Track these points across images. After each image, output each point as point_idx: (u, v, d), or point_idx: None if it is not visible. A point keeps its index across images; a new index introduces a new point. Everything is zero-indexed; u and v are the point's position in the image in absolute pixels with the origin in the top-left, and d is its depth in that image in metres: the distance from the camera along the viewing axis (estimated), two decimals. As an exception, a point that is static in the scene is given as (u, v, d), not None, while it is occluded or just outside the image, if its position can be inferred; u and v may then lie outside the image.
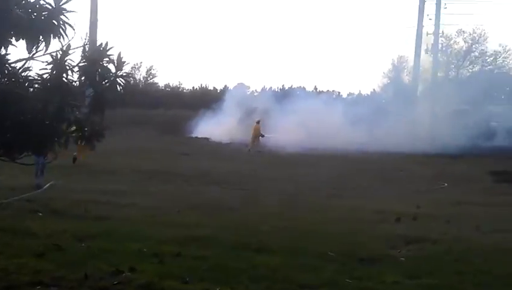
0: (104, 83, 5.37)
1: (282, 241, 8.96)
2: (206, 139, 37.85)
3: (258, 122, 29.48)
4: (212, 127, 40.47)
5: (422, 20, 40.33)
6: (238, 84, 69.87)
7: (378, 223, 11.17)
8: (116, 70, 5.30)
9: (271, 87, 62.51)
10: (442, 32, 41.67)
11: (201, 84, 67.66)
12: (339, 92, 60.10)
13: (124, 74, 5.37)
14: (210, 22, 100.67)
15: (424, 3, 40.21)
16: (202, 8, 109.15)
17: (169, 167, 19.77)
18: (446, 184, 18.44)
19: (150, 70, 74.08)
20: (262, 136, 29.12)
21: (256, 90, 65.13)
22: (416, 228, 10.61)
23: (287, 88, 60.97)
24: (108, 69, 5.30)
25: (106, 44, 5.28)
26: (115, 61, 5.35)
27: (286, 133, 34.61)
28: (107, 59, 5.23)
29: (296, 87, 61.52)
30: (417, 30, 40.45)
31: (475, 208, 13.25)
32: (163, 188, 15.33)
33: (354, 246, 8.92)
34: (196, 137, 39.01)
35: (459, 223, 11.20)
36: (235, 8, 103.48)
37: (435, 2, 40.53)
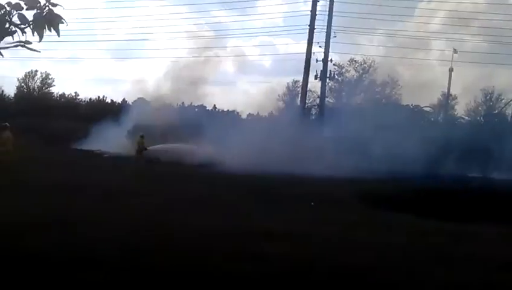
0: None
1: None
2: (92, 151, 36.85)
3: (141, 137, 29.04)
4: (105, 140, 39.83)
5: (311, 47, 41.42)
6: (138, 98, 69.07)
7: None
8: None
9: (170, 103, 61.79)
10: (331, 60, 42.58)
11: (98, 97, 66.34)
12: (238, 112, 60.21)
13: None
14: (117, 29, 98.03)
15: (313, 31, 41.30)
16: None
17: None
18: (313, 203, 18.47)
19: (46, 79, 71.94)
20: (145, 149, 28.71)
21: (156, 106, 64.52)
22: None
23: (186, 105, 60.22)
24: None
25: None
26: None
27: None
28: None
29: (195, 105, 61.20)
30: (306, 56, 41.57)
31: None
32: None
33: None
34: (82, 149, 37.74)
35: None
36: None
37: (325, 30, 41.71)
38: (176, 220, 12.47)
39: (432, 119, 51.45)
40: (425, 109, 51.43)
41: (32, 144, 31.44)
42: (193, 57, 66.63)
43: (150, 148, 30.81)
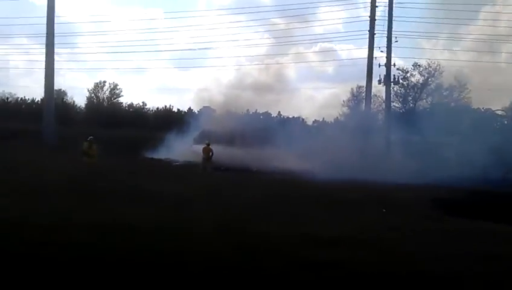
0: None
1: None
2: (161, 160, 37.56)
3: (208, 144, 29.39)
4: (173, 149, 40.76)
5: (372, 52, 41.10)
6: (204, 107, 70.15)
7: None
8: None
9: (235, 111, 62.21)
10: (394, 65, 41.97)
11: (165, 106, 67.91)
12: (303, 119, 60.19)
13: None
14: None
15: (373, 36, 40.93)
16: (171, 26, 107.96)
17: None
18: (384, 210, 18.11)
19: (114, 89, 74.20)
20: (211, 156, 29.09)
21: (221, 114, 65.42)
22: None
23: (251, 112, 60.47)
24: None
25: None
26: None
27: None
28: None
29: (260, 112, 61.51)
30: (367, 61, 41.26)
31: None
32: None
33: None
34: (152, 158, 38.49)
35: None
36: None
37: (386, 35, 41.26)
38: (248, 228, 12.47)
39: (506, 122, 49.60)
40: (497, 112, 49.70)
41: (105, 154, 32.31)
42: (255, 64, 67.04)
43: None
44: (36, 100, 63.39)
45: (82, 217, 12.36)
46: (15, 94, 68.87)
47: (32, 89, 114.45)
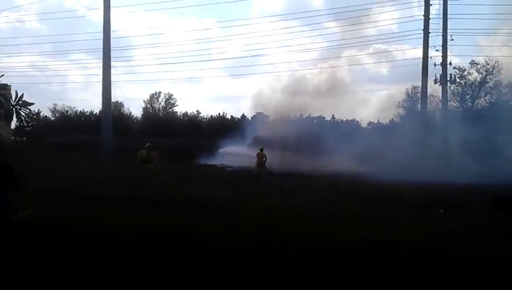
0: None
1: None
2: (215, 165, 37.85)
3: (261, 150, 29.33)
4: (226, 155, 41.06)
5: (427, 51, 40.25)
6: (257, 112, 70.37)
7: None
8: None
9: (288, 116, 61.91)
10: (450, 63, 41.03)
11: (219, 113, 68.48)
12: (357, 121, 59.46)
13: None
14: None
15: (428, 35, 40.03)
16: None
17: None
18: (442, 211, 17.63)
19: (169, 99, 75.57)
20: (265, 161, 29.01)
21: (274, 120, 65.51)
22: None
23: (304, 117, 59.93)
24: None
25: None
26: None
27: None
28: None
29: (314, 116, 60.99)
30: (422, 61, 40.32)
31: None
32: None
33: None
34: (206, 164, 38.83)
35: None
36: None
37: (441, 33, 40.30)
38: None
39: None
40: None
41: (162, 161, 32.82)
42: (308, 69, 66.82)
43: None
44: (94, 112, 65.09)
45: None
46: (74, 107, 70.99)
47: (91, 102, 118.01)
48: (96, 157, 39.29)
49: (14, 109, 7.22)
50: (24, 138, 58.90)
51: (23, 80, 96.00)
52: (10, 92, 53.64)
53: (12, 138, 55.88)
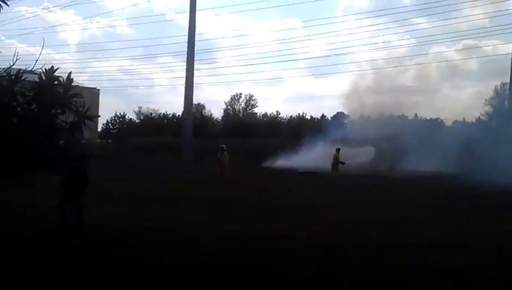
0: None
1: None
2: (293, 168, 37.84)
3: (337, 150, 29.17)
4: (305, 156, 40.84)
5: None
6: (337, 112, 69.86)
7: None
8: (64, 93, 5.56)
9: (369, 115, 60.95)
10: (542, 57, 38.83)
11: (298, 114, 68.44)
12: (442, 120, 57.44)
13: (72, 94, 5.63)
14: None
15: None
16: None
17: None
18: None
19: (250, 100, 76.57)
20: (343, 163, 28.72)
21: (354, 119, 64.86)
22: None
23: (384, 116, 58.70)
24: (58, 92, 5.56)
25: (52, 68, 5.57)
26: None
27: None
28: (56, 82, 5.50)
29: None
30: (512, 57, 38.45)
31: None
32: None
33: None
34: (282, 167, 38.86)
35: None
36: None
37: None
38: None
39: None
40: None
41: (239, 162, 33.39)
42: (394, 67, 65.43)
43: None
44: (177, 114, 67.01)
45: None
46: (158, 110, 73.31)
47: (175, 104, 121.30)
48: (178, 158, 40.48)
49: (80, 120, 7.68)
50: (109, 140, 61.62)
51: (112, 84, 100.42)
52: (98, 97, 56.36)
53: (98, 140, 58.54)
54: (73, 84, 6.86)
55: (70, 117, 6.96)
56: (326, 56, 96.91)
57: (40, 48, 6.99)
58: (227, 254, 10.10)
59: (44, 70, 6.15)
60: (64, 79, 6.33)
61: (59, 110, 6.79)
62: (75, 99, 6.32)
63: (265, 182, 25.03)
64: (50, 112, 6.43)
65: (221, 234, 12.06)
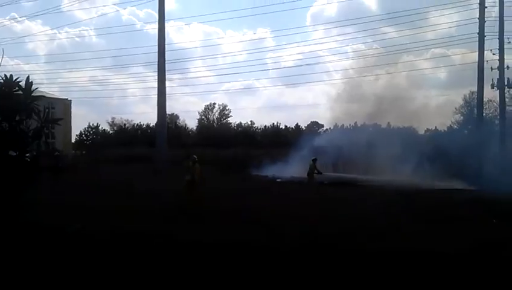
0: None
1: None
2: (267, 176, 37.85)
3: (313, 161, 29.13)
4: (279, 166, 40.86)
5: (483, 55, 38.74)
6: (311, 122, 70.31)
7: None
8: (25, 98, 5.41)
9: (343, 125, 61.25)
10: (507, 67, 39.39)
11: (272, 123, 68.70)
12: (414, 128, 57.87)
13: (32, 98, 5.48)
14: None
15: (483, 39, 38.70)
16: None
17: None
18: (495, 221, 17.09)
19: (223, 110, 76.60)
20: (319, 173, 28.62)
21: (329, 128, 65.43)
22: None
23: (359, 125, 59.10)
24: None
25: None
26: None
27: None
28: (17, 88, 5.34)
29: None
30: (478, 65, 38.89)
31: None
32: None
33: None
34: (257, 175, 38.88)
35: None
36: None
37: (497, 36, 39.05)
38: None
39: None
40: None
41: (211, 173, 33.18)
42: (364, 76, 65.97)
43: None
44: (151, 125, 66.68)
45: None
46: (132, 120, 72.87)
47: (149, 115, 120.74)
48: (151, 169, 40.07)
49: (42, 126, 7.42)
50: (84, 152, 60.97)
51: (83, 95, 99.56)
52: (70, 108, 55.80)
53: (73, 151, 57.92)
54: (44, 95, 6.70)
55: (33, 124, 6.79)
56: (297, 66, 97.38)
57: (7, 59, 6.88)
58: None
59: (3, 77, 6.01)
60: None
61: (23, 117, 6.61)
62: (36, 103, 6.18)
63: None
64: (13, 119, 6.25)
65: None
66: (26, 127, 6.70)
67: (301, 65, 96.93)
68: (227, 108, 77.53)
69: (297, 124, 67.62)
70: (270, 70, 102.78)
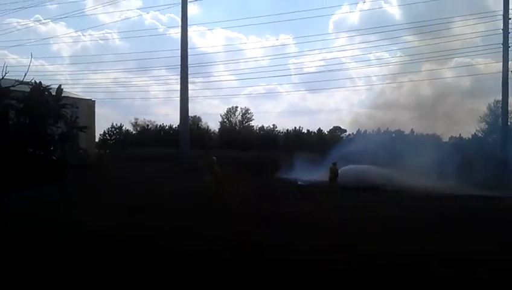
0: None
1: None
2: (290, 180, 37.76)
3: (334, 164, 29.20)
4: (302, 170, 40.80)
5: (507, 64, 38.61)
6: (333, 127, 70.01)
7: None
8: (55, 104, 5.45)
9: (365, 130, 60.91)
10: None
11: (294, 127, 68.57)
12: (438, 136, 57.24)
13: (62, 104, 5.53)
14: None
15: (507, 49, 38.39)
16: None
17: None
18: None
19: (246, 113, 76.63)
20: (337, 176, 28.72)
21: (352, 133, 65.20)
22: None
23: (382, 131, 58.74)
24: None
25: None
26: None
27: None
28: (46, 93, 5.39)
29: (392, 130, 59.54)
30: (502, 75, 38.61)
31: None
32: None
33: None
34: (280, 178, 38.78)
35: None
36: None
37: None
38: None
39: None
40: None
41: (234, 176, 33.12)
42: (387, 83, 65.82)
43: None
44: (173, 126, 66.94)
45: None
46: (154, 121, 73.30)
47: (172, 117, 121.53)
48: (174, 169, 40.26)
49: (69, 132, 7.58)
50: (107, 151, 61.52)
51: (106, 96, 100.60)
52: (94, 108, 56.24)
53: (96, 150, 58.39)
54: (68, 95, 6.82)
55: (62, 128, 6.89)
56: (319, 72, 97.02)
57: (32, 59, 7.02)
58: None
59: (34, 82, 6.11)
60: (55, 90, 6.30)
61: (51, 121, 6.71)
62: (65, 110, 6.26)
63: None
64: (41, 123, 6.36)
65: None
66: (52, 131, 6.81)
67: (323, 71, 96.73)
68: (249, 111, 77.68)
69: (319, 129, 67.46)
70: (293, 76, 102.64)
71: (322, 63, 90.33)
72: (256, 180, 33.99)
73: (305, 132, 67.57)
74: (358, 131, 62.04)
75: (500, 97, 40.68)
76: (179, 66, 45.01)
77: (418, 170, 35.48)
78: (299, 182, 36.11)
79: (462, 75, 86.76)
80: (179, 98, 45.29)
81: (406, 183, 31.94)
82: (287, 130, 69.17)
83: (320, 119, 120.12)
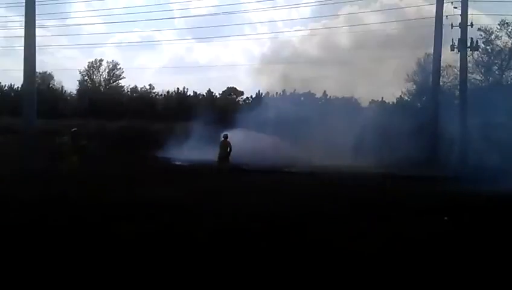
0: None
1: None
2: (169, 159, 37.78)
3: (225, 138, 28.82)
4: (185, 145, 40.70)
5: (442, 8, 39.15)
6: (227, 88, 70.53)
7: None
8: None
9: (268, 92, 61.74)
10: (471, 24, 39.48)
11: (177, 88, 68.23)
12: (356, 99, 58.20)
13: None
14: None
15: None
16: None
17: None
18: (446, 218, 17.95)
19: (114, 69, 75.37)
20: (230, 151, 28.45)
21: (251, 96, 66.03)
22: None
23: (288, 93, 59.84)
24: None
25: None
26: None
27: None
28: None
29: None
30: (435, 22, 39.24)
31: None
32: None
33: None
34: (158, 156, 38.71)
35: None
36: None
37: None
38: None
39: None
40: None
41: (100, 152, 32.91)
42: (295, 31, 66.93)
43: None
44: (15, 87, 64.93)
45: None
46: (-11, 80, 70.69)
47: (12, 73, 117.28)
48: (15, 145, 39.31)
49: None
50: None
51: None
52: None
53: None
54: None
55: None
56: (211, 14, 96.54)
57: None
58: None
59: None
60: None
61: None
62: None
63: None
64: None
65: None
66: None
67: (217, 14, 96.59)
68: (118, 67, 76.33)
69: (209, 91, 67.67)
70: (176, 20, 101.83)
71: (216, 2, 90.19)
72: (120, 159, 33.93)
73: (192, 94, 67.70)
74: (259, 94, 62.96)
75: (432, 50, 40.84)
76: (23, 4, 43.54)
77: (329, 145, 36.82)
78: (177, 162, 36.05)
79: (389, 20, 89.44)
80: (22, 48, 43.90)
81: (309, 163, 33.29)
82: (168, 92, 68.90)
83: (211, 77, 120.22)
